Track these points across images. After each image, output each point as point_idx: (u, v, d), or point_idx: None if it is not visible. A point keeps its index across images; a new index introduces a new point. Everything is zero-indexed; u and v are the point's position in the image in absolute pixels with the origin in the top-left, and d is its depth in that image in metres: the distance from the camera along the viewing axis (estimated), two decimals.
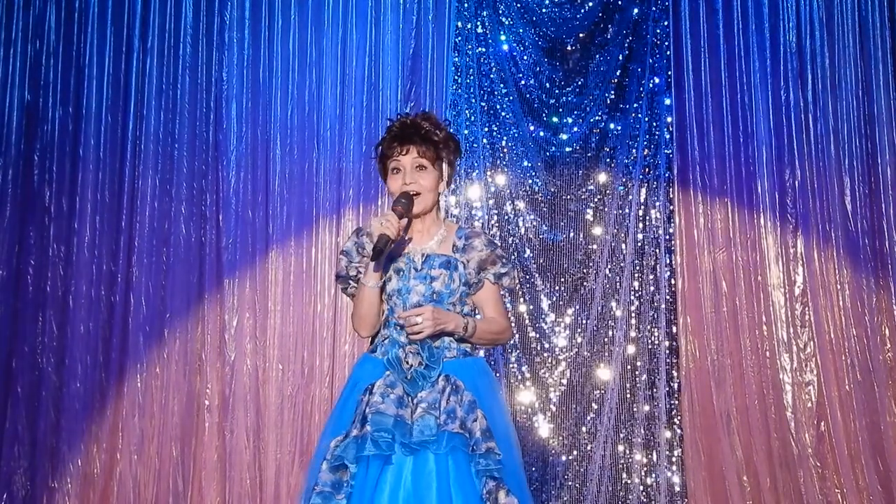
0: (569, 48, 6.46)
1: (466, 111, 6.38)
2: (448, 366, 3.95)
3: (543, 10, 6.44)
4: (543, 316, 6.34)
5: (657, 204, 6.33)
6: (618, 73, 6.41)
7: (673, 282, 6.29)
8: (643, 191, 6.35)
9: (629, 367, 6.28)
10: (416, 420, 3.83)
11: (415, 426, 3.82)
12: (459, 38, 6.41)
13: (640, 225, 6.33)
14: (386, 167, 4.06)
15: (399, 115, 4.15)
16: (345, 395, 4.02)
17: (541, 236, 6.39)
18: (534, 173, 6.40)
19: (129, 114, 6.39)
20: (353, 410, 3.91)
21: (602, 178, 6.41)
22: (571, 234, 6.39)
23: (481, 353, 4.15)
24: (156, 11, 6.42)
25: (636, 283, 6.31)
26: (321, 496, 3.83)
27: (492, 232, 6.35)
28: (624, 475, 6.21)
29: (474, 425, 3.84)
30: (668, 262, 6.30)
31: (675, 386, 6.24)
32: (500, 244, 4.25)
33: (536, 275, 6.35)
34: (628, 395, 6.26)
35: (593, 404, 6.28)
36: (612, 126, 6.41)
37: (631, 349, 6.28)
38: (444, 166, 4.05)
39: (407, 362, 3.93)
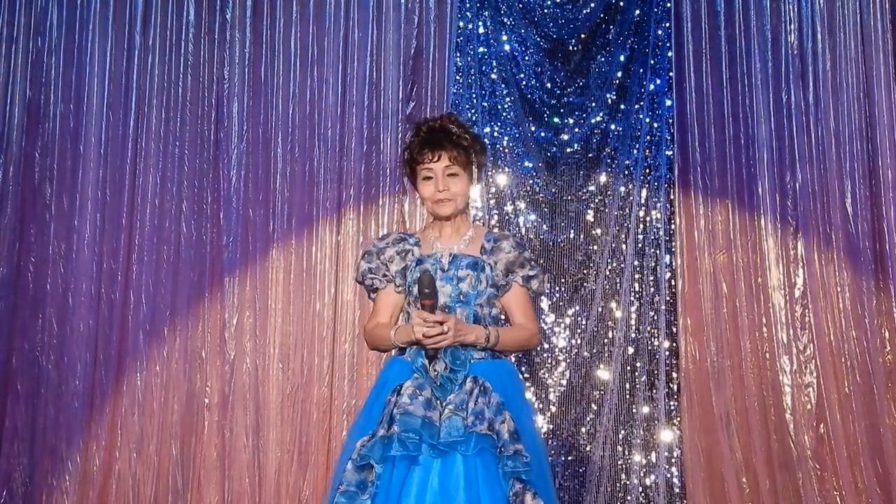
0: (570, 49, 6.46)
1: (468, 111, 6.37)
2: (476, 367, 3.97)
3: (545, 11, 6.44)
4: (543, 316, 6.34)
5: (658, 205, 6.33)
6: (619, 74, 6.41)
7: (673, 283, 6.29)
8: (644, 192, 6.35)
9: (629, 367, 6.28)
10: (443, 421, 3.84)
11: (442, 428, 3.83)
12: (461, 38, 6.41)
13: (641, 226, 6.33)
14: (415, 171, 4.08)
15: (426, 119, 4.17)
16: (373, 396, 4.04)
17: (541, 237, 6.39)
18: (535, 174, 6.41)
19: (130, 111, 6.39)
20: (380, 411, 3.92)
21: (603, 178, 6.41)
22: (572, 235, 6.39)
23: (512, 356, 4.18)
24: (158, 9, 6.42)
25: (636, 284, 6.31)
26: (345, 496, 3.83)
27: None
28: (623, 476, 6.22)
29: (502, 427, 3.85)
30: (668, 263, 6.30)
31: (675, 387, 6.25)
32: (528, 247, 4.22)
33: None
34: (628, 396, 6.27)
35: (593, 405, 6.29)
36: (613, 127, 6.41)
37: (631, 350, 6.28)
38: (474, 169, 4.09)
39: (434, 369, 3.93)
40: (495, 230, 4.27)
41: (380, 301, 4.18)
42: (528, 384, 6.30)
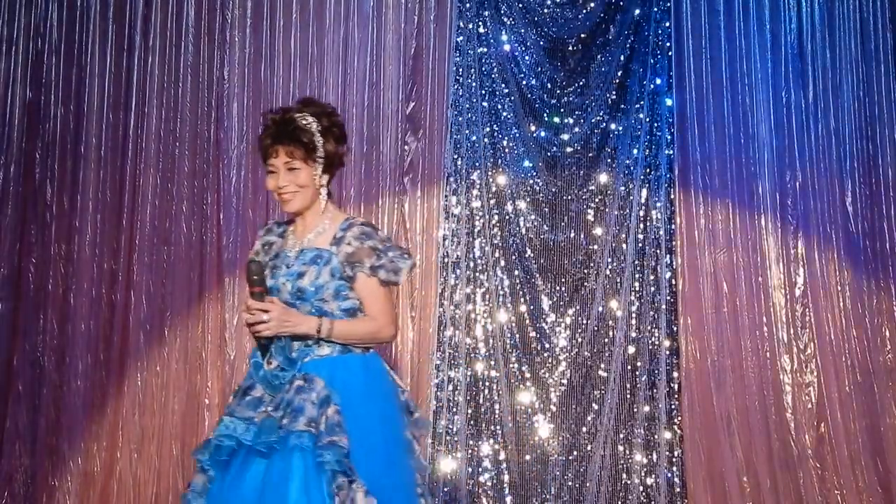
0: (570, 48, 6.46)
1: (468, 111, 6.37)
2: (313, 364, 3.86)
3: (545, 11, 6.44)
4: (544, 316, 6.34)
5: (658, 204, 6.33)
6: (619, 74, 6.42)
7: (673, 282, 6.30)
8: (644, 191, 6.35)
9: (629, 367, 6.28)
10: (260, 423, 3.77)
11: (261, 429, 3.76)
12: (461, 37, 6.41)
13: (641, 225, 6.33)
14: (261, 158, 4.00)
15: (272, 110, 4.02)
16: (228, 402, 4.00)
17: (542, 236, 6.39)
18: (535, 173, 6.41)
19: (130, 112, 6.38)
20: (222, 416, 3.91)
21: (603, 178, 6.41)
22: (572, 235, 6.40)
23: (370, 349, 4.01)
24: (158, 9, 6.40)
25: (637, 284, 6.31)
26: (184, 499, 3.86)
27: (493, 232, 6.35)
28: (624, 475, 6.22)
29: (322, 419, 3.76)
30: (668, 262, 6.31)
31: (676, 386, 6.25)
32: (381, 234, 3.99)
33: (537, 275, 6.36)
34: (628, 396, 6.27)
35: (593, 404, 6.29)
36: (613, 126, 6.41)
37: (631, 349, 6.29)
38: (320, 159, 3.94)
39: (269, 363, 3.85)
40: (354, 218, 4.02)
41: None
42: (528, 384, 6.29)
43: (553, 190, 6.41)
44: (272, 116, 3.95)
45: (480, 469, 6.25)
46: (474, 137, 6.38)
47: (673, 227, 6.32)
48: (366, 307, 3.93)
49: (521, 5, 6.43)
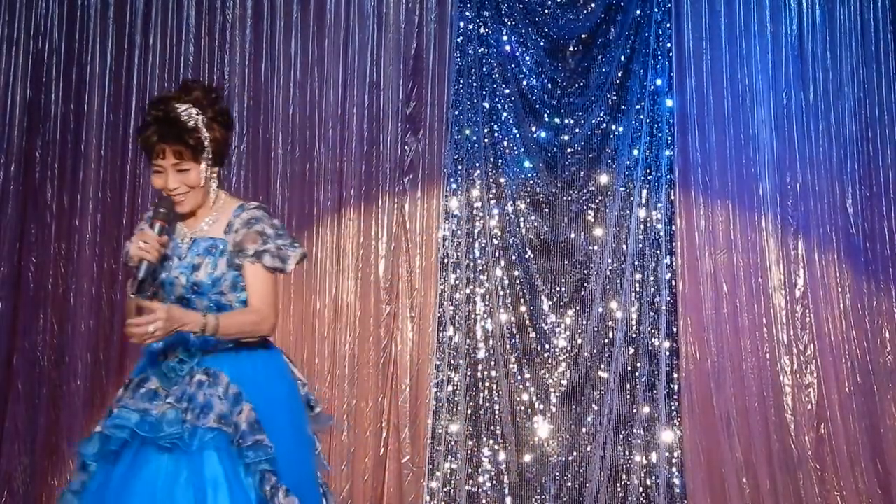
0: (571, 49, 6.46)
1: (468, 111, 6.37)
2: (215, 359, 3.68)
3: (546, 11, 6.43)
4: (544, 317, 6.34)
5: (658, 205, 6.33)
6: (619, 75, 6.41)
7: (673, 283, 6.29)
8: (644, 192, 6.35)
9: (629, 368, 6.27)
10: (161, 415, 3.57)
11: (161, 422, 3.56)
12: (461, 38, 6.41)
13: (641, 226, 6.33)
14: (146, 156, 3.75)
15: (154, 102, 3.72)
16: (118, 393, 3.80)
17: (542, 237, 6.38)
18: (535, 174, 6.40)
19: (130, 112, 6.38)
20: (110, 407, 3.72)
21: (603, 179, 6.41)
22: (572, 235, 6.39)
23: (270, 344, 3.85)
24: (158, 9, 6.41)
25: (637, 285, 6.31)
26: (63, 498, 3.67)
27: (493, 232, 6.35)
28: (623, 476, 6.22)
29: (240, 418, 3.59)
30: (668, 263, 6.30)
31: (675, 387, 6.25)
32: (272, 220, 3.76)
33: (537, 275, 6.35)
34: (628, 397, 6.26)
35: (593, 405, 6.28)
36: (613, 127, 6.41)
37: (631, 350, 6.28)
38: (209, 156, 3.69)
39: (164, 355, 3.69)
40: (247, 203, 3.81)
41: None
42: (528, 384, 6.29)
43: (553, 190, 6.41)
44: (154, 113, 3.66)
45: (480, 470, 6.25)
46: (475, 138, 6.38)
47: (673, 228, 6.31)
48: (248, 294, 3.70)
49: (521, 6, 6.43)
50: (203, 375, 3.65)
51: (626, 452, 6.23)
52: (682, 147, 6.33)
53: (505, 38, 6.44)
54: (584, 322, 6.32)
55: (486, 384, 6.29)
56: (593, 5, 6.43)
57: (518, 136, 6.40)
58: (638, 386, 6.26)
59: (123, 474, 3.56)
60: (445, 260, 6.33)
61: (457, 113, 6.37)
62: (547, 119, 6.42)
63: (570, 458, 6.25)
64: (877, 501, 6.08)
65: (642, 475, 6.21)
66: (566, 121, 6.42)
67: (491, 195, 6.39)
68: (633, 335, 6.29)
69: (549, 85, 6.43)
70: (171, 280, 3.70)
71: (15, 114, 6.40)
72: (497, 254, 6.35)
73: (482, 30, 6.43)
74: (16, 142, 6.38)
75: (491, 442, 6.25)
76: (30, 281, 6.35)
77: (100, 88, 6.40)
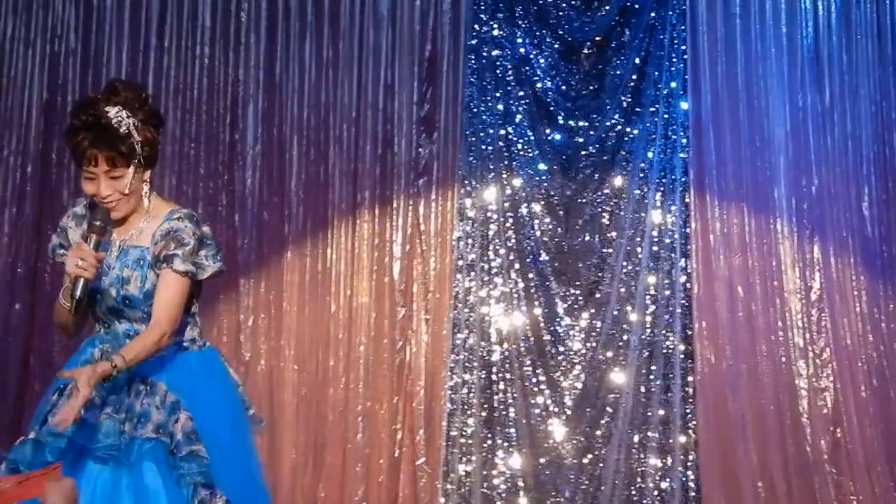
0: (585, 51, 6.45)
1: (482, 114, 6.37)
2: (150, 366, 3.56)
3: (560, 13, 6.43)
4: (558, 320, 6.33)
5: (673, 208, 6.32)
6: (634, 77, 6.40)
7: (688, 286, 6.28)
8: (659, 195, 6.33)
9: (644, 371, 6.26)
10: (98, 425, 3.46)
11: (99, 433, 3.46)
12: (476, 40, 6.41)
13: (656, 229, 6.31)
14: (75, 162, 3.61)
15: (80, 106, 3.58)
16: (44, 398, 3.70)
17: (556, 240, 6.38)
18: (550, 176, 6.40)
19: None
20: (42, 410, 3.62)
21: (618, 181, 6.40)
22: (587, 238, 6.38)
23: (206, 343, 3.77)
24: (173, 11, 6.43)
25: (651, 288, 6.29)
26: None
27: (507, 235, 6.34)
28: (638, 479, 6.20)
29: (175, 427, 3.50)
30: (683, 266, 6.29)
31: (690, 390, 6.23)
32: (195, 228, 3.60)
33: (552, 278, 6.35)
34: (643, 400, 6.25)
35: (608, 408, 6.27)
36: (628, 130, 6.40)
37: (646, 353, 6.26)
38: (141, 160, 3.55)
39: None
40: (177, 210, 3.64)
41: None
42: (543, 387, 6.27)
43: (568, 193, 6.40)
44: (83, 118, 3.52)
45: (495, 472, 6.24)
46: (489, 140, 6.38)
47: (688, 231, 6.30)
48: (154, 302, 3.55)
49: (535, 8, 6.43)
50: (141, 384, 3.57)
51: (641, 455, 6.22)
52: (696, 150, 6.31)
53: (519, 40, 6.43)
54: (599, 325, 6.31)
55: (501, 387, 6.28)
56: (607, 7, 6.43)
57: (532, 138, 6.39)
58: (653, 389, 6.24)
59: None
60: (460, 262, 6.33)
61: (471, 115, 6.37)
62: (561, 121, 6.41)
63: (584, 461, 6.24)
64: None
65: (657, 478, 6.19)
66: (581, 123, 6.41)
67: (505, 197, 6.38)
68: (648, 338, 6.28)
69: (564, 87, 6.42)
70: (102, 290, 3.61)
71: (32, 115, 6.43)
72: (512, 256, 6.34)
73: (496, 32, 6.43)
74: (32, 143, 6.41)
75: (506, 444, 6.25)
76: (46, 282, 6.36)
77: None
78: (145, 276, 3.60)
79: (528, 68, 6.42)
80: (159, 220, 3.62)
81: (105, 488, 3.47)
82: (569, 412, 6.28)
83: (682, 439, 6.19)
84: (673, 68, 6.37)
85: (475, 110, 6.38)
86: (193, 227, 3.61)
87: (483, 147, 6.37)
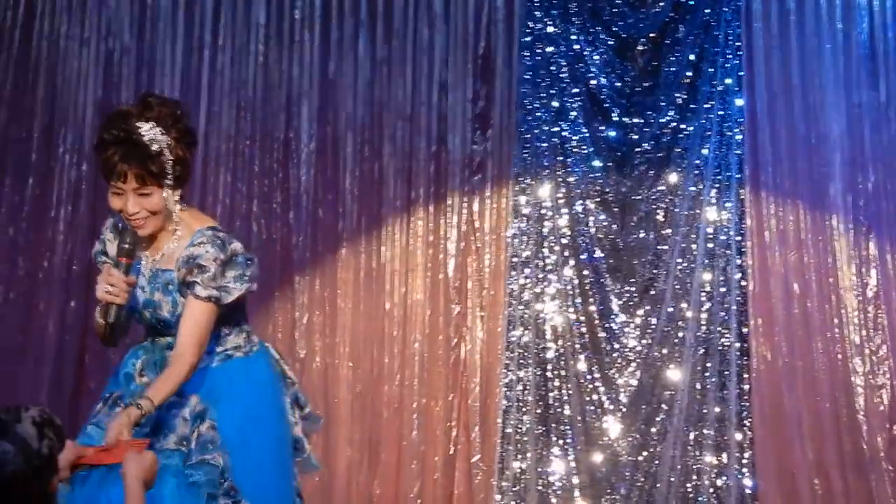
0: (640, 48, 6.43)
1: (537, 111, 6.36)
2: (191, 380, 3.55)
3: (614, 10, 6.41)
4: (613, 316, 6.32)
5: (728, 205, 6.30)
6: (689, 74, 6.38)
7: (744, 283, 6.26)
8: (714, 192, 6.32)
9: (699, 368, 6.24)
10: None
11: None
12: (530, 37, 6.39)
13: (711, 226, 6.29)
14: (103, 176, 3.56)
15: (112, 120, 3.55)
16: (94, 406, 3.75)
17: (611, 237, 6.37)
18: (604, 173, 6.39)
19: (200, 111, 6.39)
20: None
21: (673, 178, 6.38)
22: (642, 235, 6.37)
23: (253, 349, 3.77)
24: (228, 9, 6.44)
25: (707, 285, 6.28)
26: None
27: (562, 231, 6.32)
28: (694, 476, 6.18)
29: (193, 436, 3.52)
30: (738, 263, 6.27)
31: (746, 388, 6.21)
32: (219, 252, 3.55)
33: (606, 275, 6.33)
34: (698, 397, 6.23)
35: (663, 405, 6.25)
36: (682, 126, 6.37)
37: (701, 350, 6.24)
38: (171, 175, 3.52)
39: (141, 376, 3.64)
40: (205, 232, 3.58)
41: None
42: (598, 384, 6.25)
43: (623, 190, 6.38)
44: (113, 131, 3.49)
45: (550, 469, 6.23)
46: (543, 137, 6.37)
47: (743, 227, 6.28)
48: (180, 326, 3.53)
49: (589, 4, 6.41)
50: (174, 397, 3.54)
51: (697, 453, 6.20)
52: (751, 146, 6.30)
53: (573, 37, 6.42)
54: (654, 322, 6.29)
55: (556, 384, 6.27)
56: (662, 4, 6.41)
57: (587, 135, 6.38)
58: (708, 386, 6.22)
59: (89, 497, 3.48)
60: (514, 259, 6.32)
61: (525, 112, 6.36)
62: (616, 118, 6.39)
63: (640, 458, 6.22)
64: None
65: (713, 476, 6.18)
66: (635, 120, 6.40)
67: (560, 194, 6.37)
68: (704, 335, 6.26)
69: (618, 84, 6.40)
70: (137, 310, 3.65)
71: (86, 114, 6.44)
72: (566, 253, 6.33)
73: (550, 29, 6.41)
74: (87, 141, 6.41)
75: (561, 441, 6.24)
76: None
77: (170, 88, 6.41)
78: (175, 300, 3.59)
79: (582, 65, 6.40)
80: (186, 241, 3.59)
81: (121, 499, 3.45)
82: (624, 409, 6.27)
83: (738, 436, 6.17)
84: (728, 65, 6.34)
85: (529, 107, 6.37)
86: (216, 251, 3.55)
87: (537, 144, 6.36)
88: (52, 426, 2.78)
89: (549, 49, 6.41)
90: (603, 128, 6.39)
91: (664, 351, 6.28)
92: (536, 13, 6.39)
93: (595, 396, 6.27)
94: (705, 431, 6.20)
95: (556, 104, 6.38)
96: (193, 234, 3.59)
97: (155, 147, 3.47)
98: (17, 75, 6.47)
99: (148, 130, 3.48)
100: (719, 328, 6.25)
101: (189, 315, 3.53)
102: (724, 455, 6.18)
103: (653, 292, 6.33)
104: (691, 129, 6.36)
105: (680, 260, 6.31)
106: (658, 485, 6.18)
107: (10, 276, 6.45)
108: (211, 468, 3.49)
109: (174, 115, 3.56)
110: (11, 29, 6.46)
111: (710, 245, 6.29)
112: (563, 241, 6.34)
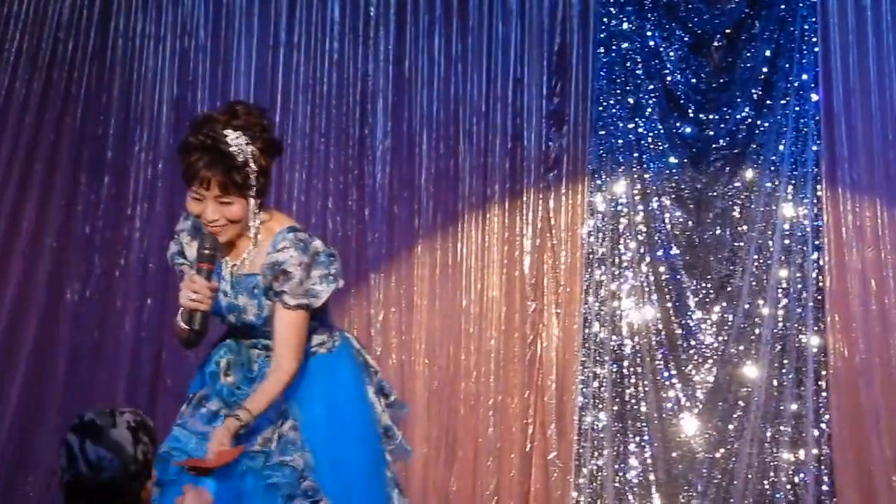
0: (715, 44, 6.41)
1: (612, 107, 6.35)
2: None
3: (689, 6, 6.39)
4: (689, 313, 6.31)
5: (804, 201, 6.27)
6: (764, 69, 6.35)
7: (820, 280, 6.24)
8: (790, 188, 6.29)
9: (776, 365, 6.22)
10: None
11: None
12: (605, 33, 6.38)
13: (787, 222, 6.27)
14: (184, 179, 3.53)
15: (197, 125, 3.52)
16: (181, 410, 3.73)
17: (687, 233, 6.35)
18: (680, 170, 6.37)
19: (275, 108, 6.40)
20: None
21: (749, 174, 6.36)
22: (718, 231, 6.35)
23: (335, 343, 3.78)
24: (303, 6, 6.45)
25: (783, 281, 6.26)
26: None
27: (638, 228, 6.31)
28: (771, 473, 6.17)
29: (274, 435, 3.52)
30: (815, 259, 6.25)
31: (823, 384, 6.19)
32: (302, 255, 3.54)
33: (682, 271, 6.32)
34: (775, 394, 6.21)
35: (740, 402, 6.24)
36: (758, 122, 6.35)
37: (778, 347, 6.23)
38: (253, 188, 3.51)
39: (227, 375, 3.63)
40: (285, 234, 3.56)
41: None
42: (674, 381, 6.25)
43: (698, 186, 6.37)
44: (200, 137, 3.45)
45: (627, 466, 6.23)
46: (619, 133, 6.36)
47: (820, 223, 6.25)
48: (274, 336, 3.56)
49: (664, 1, 6.40)
50: None
51: (774, 450, 6.18)
52: (828, 142, 6.27)
53: (648, 33, 6.40)
54: (731, 318, 6.28)
55: (632, 380, 6.26)
56: (737, 0, 6.39)
57: (662, 131, 6.37)
58: (785, 383, 6.20)
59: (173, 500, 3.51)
60: (590, 256, 6.31)
61: (600, 108, 6.35)
62: (692, 114, 6.38)
63: (716, 455, 6.21)
64: None
65: (790, 472, 6.16)
66: (711, 116, 6.38)
67: (636, 191, 6.36)
68: (780, 332, 6.24)
69: (694, 80, 6.39)
70: (221, 315, 3.64)
71: (162, 111, 6.46)
72: (642, 249, 6.32)
73: (625, 25, 6.40)
74: (163, 139, 6.44)
75: (637, 438, 6.23)
76: (177, 277, 6.37)
77: (245, 86, 6.44)
78: (261, 304, 3.58)
79: (657, 61, 6.39)
80: (267, 244, 3.57)
81: (215, 500, 3.42)
82: (700, 406, 6.26)
83: (815, 433, 6.16)
84: (804, 60, 6.31)
85: (604, 104, 6.35)
86: (299, 254, 3.53)
87: (613, 140, 6.35)
88: (147, 430, 2.77)
89: (625, 45, 6.39)
90: (678, 124, 6.38)
91: (740, 348, 6.27)
92: (611, 9, 6.38)
93: (671, 393, 6.26)
94: (782, 428, 6.18)
95: (631, 100, 6.37)
96: (274, 237, 3.57)
97: (241, 158, 3.45)
98: (93, 74, 6.49)
99: (235, 139, 3.45)
100: (796, 325, 6.23)
101: (281, 325, 3.54)
102: (801, 452, 6.16)
103: (729, 289, 6.32)
104: (767, 124, 6.34)
105: (756, 256, 6.29)
106: (735, 482, 6.17)
107: (86, 275, 6.48)
108: (291, 470, 3.50)
109: (261, 124, 3.53)
110: (87, 28, 6.47)
111: (787, 241, 6.27)
112: (639, 237, 6.33)
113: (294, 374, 3.54)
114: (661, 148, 6.37)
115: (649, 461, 6.22)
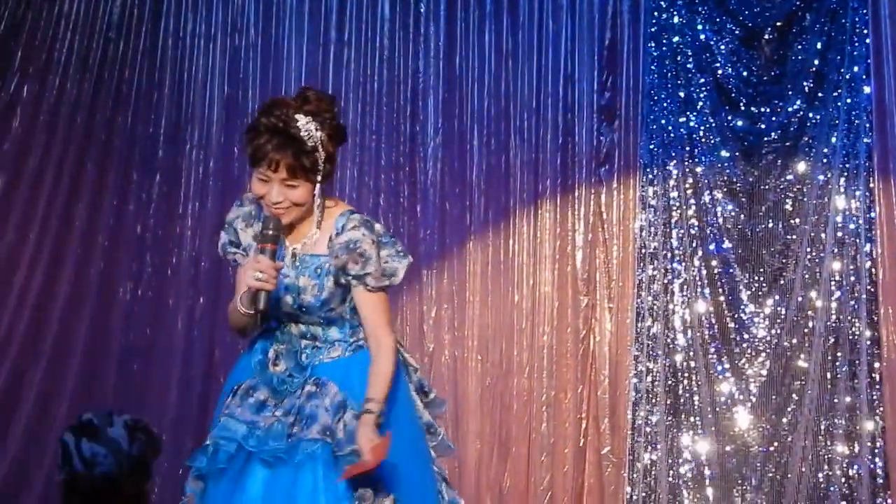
0: (766, 37, 6.39)
1: (664, 101, 6.35)
2: (323, 368, 3.60)
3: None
4: (742, 307, 6.30)
5: (857, 193, 6.25)
6: (816, 62, 6.33)
7: (874, 272, 6.22)
8: (842, 180, 6.27)
9: (829, 357, 6.21)
10: (268, 428, 3.48)
11: (269, 437, 3.48)
12: (655, 27, 6.37)
13: (840, 215, 6.26)
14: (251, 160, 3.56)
15: (267, 107, 3.56)
16: (219, 401, 3.72)
17: (739, 226, 6.35)
18: (732, 163, 6.36)
19: None
20: (216, 415, 3.64)
21: (801, 167, 6.35)
22: (770, 224, 6.34)
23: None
24: (353, 4, 6.46)
25: (836, 274, 6.25)
26: None
27: (690, 222, 6.31)
28: (825, 466, 6.17)
29: (338, 425, 3.51)
30: (868, 252, 6.23)
31: (877, 377, 6.18)
32: (371, 236, 3.57)
33: (735, 265, 6.32)
34: (829, 386, 6.20)
35: (793, 395, 6.23)
36: (810, 115, 6.33)
37: (831, 340, 6.22)
38: (321, 170, 3.55)
39: (276, 365, 3.61)
40: (348, 216, 3.61)
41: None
42: (727, 374, 6.24)
43: (750, 179, 6.36)
44: (272, 120, 3.48)
45: (680, 461, 6.23)
46: (670, 127, 6.35)
47: (872, 216, 6.23)
48: (363, 320, 3.60)
49: None
50: (312, 386, 3.57)
51: (828, 443, 6.18)
52: (880, 134, 6.23)
53: (699, 27, 6.39)
54: (784, 311, 6.27)
55: (686, 374, 6.27)
56: None
57: (714, 125, 6.36)
58: (839, 375, 6.20)
59: (227, 491, 3.52)
60: (643, 250, 6.31)
61: (652, 103, 6.35)
62: (743, 108, 6.37)
63: (770, 449, 6.22)
64: None
65: (844, 465, 6.16)
66: (762, 109, 6.37)
67: (688, 185, 6.35)
68: (833, 324, 6.22)
69: (745, 73, 6.37)
70: (278, 296, 3.58)
71: (213, 110, 6.48)
72: (694, 243, 6.32)
73: (676, 19, 6.39)
74: (214, 137, 6.47)
75: (691, 432, 6.24)
76: (229, 274, 6.36)
77: (295, 84, 6.42)
78: (323, 285, 3.59)
79: (708, 55, 6.38)
80: (330, 225, 3.60)
81: (267, 492, 3.49)
82: (754, 399, 6.26)
83: (870, 426, 6.15)
84: (855, 52, 6.29)
85: (656, 98, 6.35)
86: (370, 233, 3.57)
87: (664, 135, 6.35)
88: (145, 431, 2.78)
89: (675, 39, 6.38)
90: (730, 117, 6.37)
91: (794, 341, 6.26)
92: (662, 3, 6.37)
93: (725, 387, 6.27)
94: (836, 421, 6.17)
95: (682, 94, 6.36)
96: (336, 219, 3.61)
97: (311, 143, 3.48)
98: (144, 74, 6.51)
99: (305, 124, 3.48)
100: (849, 317, 6.22)
101: (368, 309, 3.59)
102: (856, 444, 6.16)
103: (781, 282, 6.31)
104: (818, 117, 6.32)
105: (809, 249, 6.28)
106: (789, 475, 6.17)
107: (138, 274, 6.51)
108: (356, 458, 3.46)
109: (331, 111, 3.56)
110: (138, 28, 6.50)
111: (839, 234, 6.26)
112: (692, 231, 6.32)
113: (395, 346, 3.61)
114: (712, 142, 6.36)
115: (703, 456, 6.22)
